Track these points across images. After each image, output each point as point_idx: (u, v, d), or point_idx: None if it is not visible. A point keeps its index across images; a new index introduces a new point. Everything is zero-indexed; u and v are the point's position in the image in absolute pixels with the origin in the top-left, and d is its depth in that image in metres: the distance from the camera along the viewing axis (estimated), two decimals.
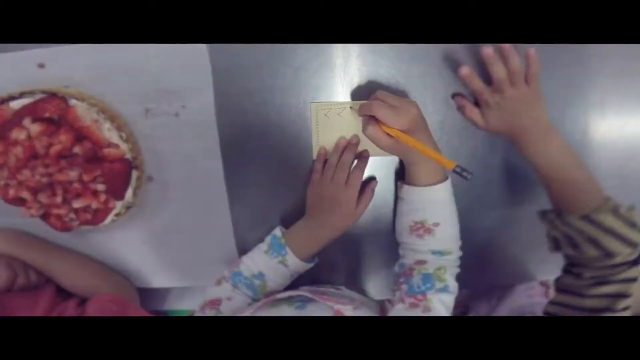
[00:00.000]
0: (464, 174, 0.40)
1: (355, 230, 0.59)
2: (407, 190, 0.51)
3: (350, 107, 0.52)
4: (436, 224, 0.49)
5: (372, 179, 0.56)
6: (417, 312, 0.45)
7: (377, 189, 0.56)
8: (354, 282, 0.63)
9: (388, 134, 0.45)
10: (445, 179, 0.50)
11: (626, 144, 0.58)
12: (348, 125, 0.52)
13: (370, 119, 0.45)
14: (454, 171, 0.41)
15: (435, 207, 0.49)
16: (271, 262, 0.52)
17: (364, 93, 0.51)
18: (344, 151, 0.52)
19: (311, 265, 0.55)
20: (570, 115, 0.56)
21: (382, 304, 0.64)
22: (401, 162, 0.55)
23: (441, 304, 0.46)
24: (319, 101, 0.52)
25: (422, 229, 0.50)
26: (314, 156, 0.54)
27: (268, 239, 0.54)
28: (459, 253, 0.52)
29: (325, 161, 0.53)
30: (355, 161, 0.53)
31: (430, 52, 0.51)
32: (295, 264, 0.52)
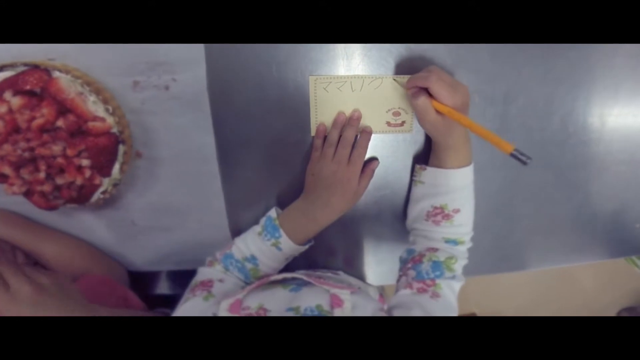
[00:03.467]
0: (522, 157, 0.37)
1: (354, 213, 0.56)
2: (431, 172, 0.49)
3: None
4: (456, 210, 0.48)
5: (373, 158, 0.53)
6: (425, 297, 0.43)
7: (377, 169, 0.53)
8: (353, 267, 0.61)
9: (436, 110, 0.43)
10: (470, 163, 0.48)
11: (638, 129, 0.57)
12: (348, 100, 0.50)
13: (422, 91, 0.43)
14: (511, 155, 0.37)
15: (459, 192, 0.48)
16: (264, 245, 0.50)
17: (366, 68, 0.49)
18: (345, 127, 0.50)
19: (305, 248, 0.53)
20: (583, 99, 0.54)
21: (381, 290, 0.62)
22: (427, 145, 0.52)
23: (450, 290, 0.44)
24: (319, 74, 0.49)
25: (440, 214, 0.48)
26: (312, 133, 0.51)
27: (262, 220, 0.52)
28: (470, 244, 0.50)
29: (325, 138, 0.50)
30: (358, 138, 0.51)
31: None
32: (289, 247, 0.50)
